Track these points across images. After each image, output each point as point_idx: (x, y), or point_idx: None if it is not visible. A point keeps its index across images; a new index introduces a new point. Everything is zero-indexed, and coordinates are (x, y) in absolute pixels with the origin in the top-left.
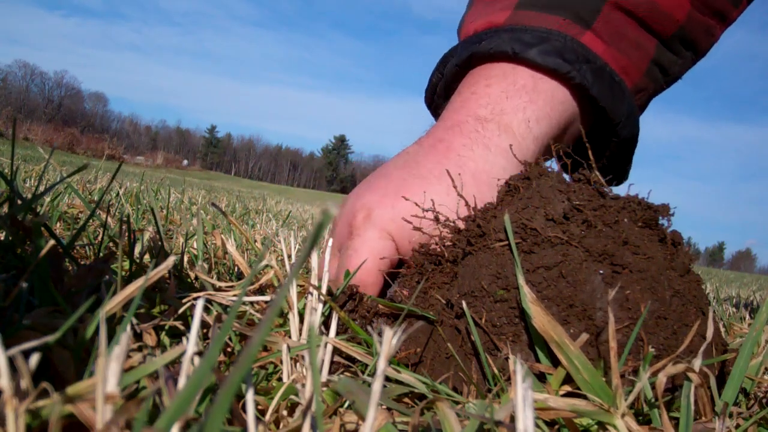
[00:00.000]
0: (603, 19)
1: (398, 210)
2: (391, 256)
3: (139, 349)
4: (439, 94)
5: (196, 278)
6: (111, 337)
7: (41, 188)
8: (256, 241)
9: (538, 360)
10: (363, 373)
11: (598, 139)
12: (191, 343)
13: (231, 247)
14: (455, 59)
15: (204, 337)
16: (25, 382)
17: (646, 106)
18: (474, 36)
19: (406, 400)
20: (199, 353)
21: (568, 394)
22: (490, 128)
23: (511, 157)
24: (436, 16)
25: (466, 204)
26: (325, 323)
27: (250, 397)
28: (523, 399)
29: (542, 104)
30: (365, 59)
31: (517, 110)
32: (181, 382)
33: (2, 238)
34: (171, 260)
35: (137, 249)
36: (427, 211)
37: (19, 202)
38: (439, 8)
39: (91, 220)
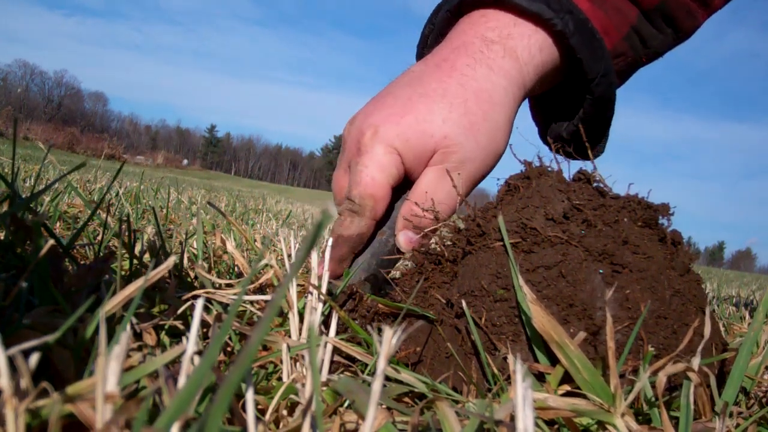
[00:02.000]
0: None
1: (403, 126)
2: (398, 169)
3: (139, 348)
4: (430, 45)
5: (196, 277)
6: (111, 336)
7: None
8: (255, 240)
9: (537, 360)
10: (363, 372)
11: (573, 95)
12: (191, 342)
13: (231, 246)
14: (446, 6)
15: (204, 336)
16: (24, 382)
17: (625, 76)
18: None
19: (406, 399)
20: (199, 352)
21: (567, 394)
22: (495, 49)
23: (513, 79)
24: None
25: (464, 203)
26: (325, 323)
27: (249, 396)
28: (522, 398)
29: (541, 38)
30: (366, 58)
31: (523, 36)
32: (181, 381)
33: (2, 238)
34: (171, 260)
35: (137, 248)
36: (426, 211)
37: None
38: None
39: (91, 220)
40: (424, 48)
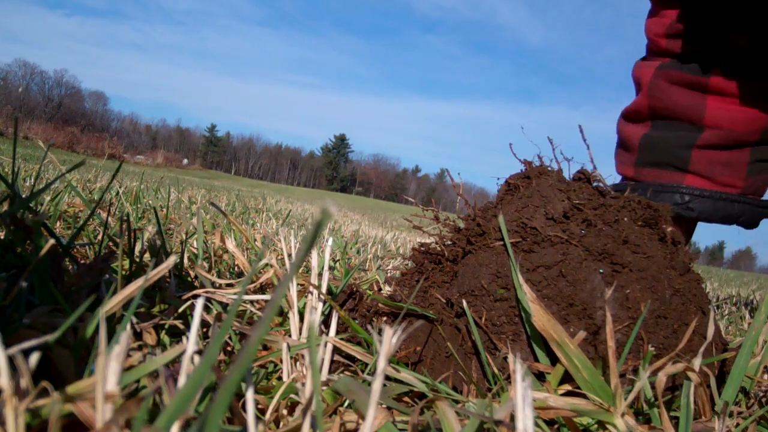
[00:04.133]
0: (695, 161)
1: None
2: None
3: (139, 348)
4: None
5: (196, 277)
6: (111, 336)
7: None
8: (256, 240)
9: (538, 359)
10: (363, 372)
11: (743, 225)
12: (191, 342)
13: (232, 245)
14: None
15: (204, 336)
16: (25, 381)
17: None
18: (620, 183)
19: (406, 399)
20: (199, 352)
21: (568, 393)
22: None
23: None
24: (438, 15)
25: (467, 203)
26: (325, 322)
27: (250, 395)
28: (522, 398)
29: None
30: (367, 58)
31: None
32: (181, 380)
33: (2, 237)
34: (172, 260)
35: (137, 248)
36: (426, 210)
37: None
38: (441, 7)
39: (91, 219)
40: None
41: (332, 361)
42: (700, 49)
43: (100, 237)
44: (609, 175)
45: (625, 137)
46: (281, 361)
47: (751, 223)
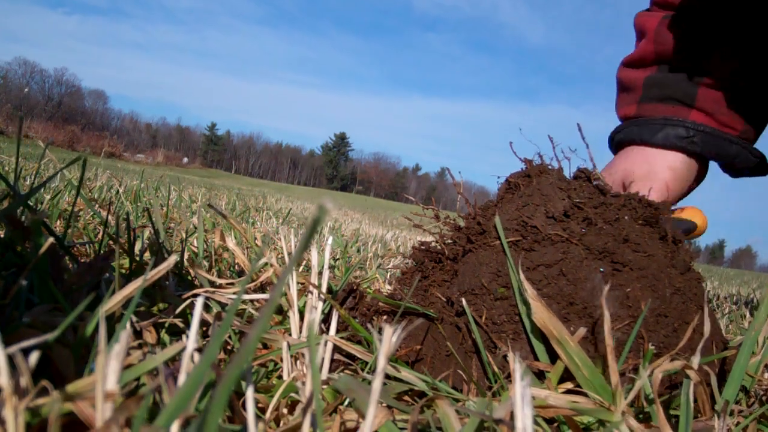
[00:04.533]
0: (701, 98)
1: None
2: None
3: (139, 346)
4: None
5: (196, 276)
6: (111, 334)
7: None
8: (256, 239)
9: (538, 358)
10: (363, 370)
11: (732, 169)
12: (191, 340)
13: (232, 243)
14: (612, 144)
15: (204, 334)
16: (24, 380)
17: (760, 132)
18: (620, 125)
19: (406, 397)
20: (199, 351)
21: (568, 392)
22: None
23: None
24: (438, 13)
25: (468, 203)
26: (326, 321)
27: (250, 394)
28: (521, 397)
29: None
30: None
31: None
32: (181, 379)
33: (2, 236)
34: (172, 259)
35: (137, 246)
36: (427, 208)
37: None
38: (441, 5)
39: (91, 218)
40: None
41: (332, 360)
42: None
43: (100, 236)
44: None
45: (627, 82)
46: (281, 360)
47: (742, 169)
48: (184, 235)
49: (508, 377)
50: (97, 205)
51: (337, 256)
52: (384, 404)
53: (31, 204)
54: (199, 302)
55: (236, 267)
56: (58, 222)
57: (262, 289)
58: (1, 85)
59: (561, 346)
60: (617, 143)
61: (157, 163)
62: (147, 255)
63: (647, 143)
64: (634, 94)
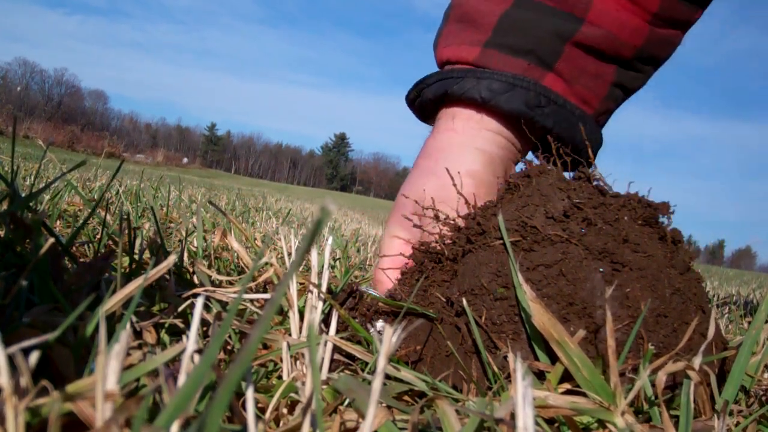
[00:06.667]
0: (564, 59)
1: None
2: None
3: (139, 346)
4: (415, 107)
5: (196, 276)
6: (111, 334)
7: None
8: (256, 239)
9: (538, 358)
10: (363, 370)
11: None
12: (191, 340)
13: (235, 242)
14: (431, 92)
15: (204, 334)
16: (24, 380)
17: (610, 114)
18: (447, 71)
19: (406, 397)
20: (199, 351)
21: (568, 392)
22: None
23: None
24: (440, 14)
25: (466, 202)
26: (326, 321)
27: (250, 394)
28: (523, 397)
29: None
30: (367, 57)
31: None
32: (181, 379)
33: (2, 236)
34: (172, 259)
35: (137, 246)
36: (426, 209)
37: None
38: (442, 5)
39: (90, 218)
40: (411, 104)
41: (332, 360)
42: None
43: (99, 236)
44: (609, 173)
45: (470, 10)
46: (281, 360)
47: (584, 148)
48: (183, 235)
49: (508, 377)
50: (97, 206)
51: (337, 256)
52: (384, 404)
53: (30, 204)
54: (199, 302)
55: (237, 266)
56: (58, 222)
57: (262, 288)
58: (1, 85)
59: (560, 347)
60: (436, 97)
61: (156, 164)
62: (146, 255)
63: (487, 105)
64: (480, 33)
